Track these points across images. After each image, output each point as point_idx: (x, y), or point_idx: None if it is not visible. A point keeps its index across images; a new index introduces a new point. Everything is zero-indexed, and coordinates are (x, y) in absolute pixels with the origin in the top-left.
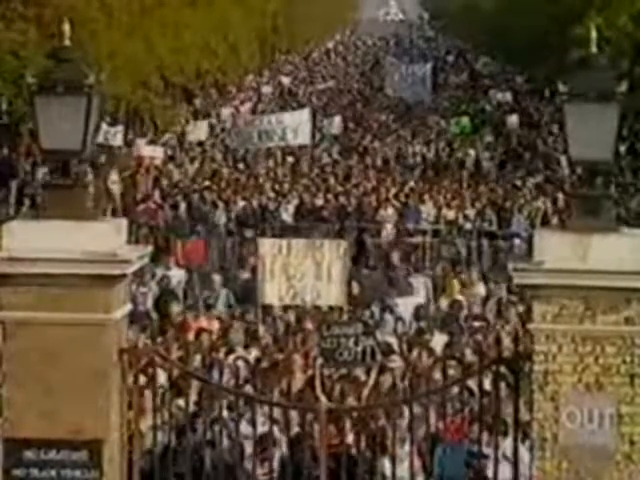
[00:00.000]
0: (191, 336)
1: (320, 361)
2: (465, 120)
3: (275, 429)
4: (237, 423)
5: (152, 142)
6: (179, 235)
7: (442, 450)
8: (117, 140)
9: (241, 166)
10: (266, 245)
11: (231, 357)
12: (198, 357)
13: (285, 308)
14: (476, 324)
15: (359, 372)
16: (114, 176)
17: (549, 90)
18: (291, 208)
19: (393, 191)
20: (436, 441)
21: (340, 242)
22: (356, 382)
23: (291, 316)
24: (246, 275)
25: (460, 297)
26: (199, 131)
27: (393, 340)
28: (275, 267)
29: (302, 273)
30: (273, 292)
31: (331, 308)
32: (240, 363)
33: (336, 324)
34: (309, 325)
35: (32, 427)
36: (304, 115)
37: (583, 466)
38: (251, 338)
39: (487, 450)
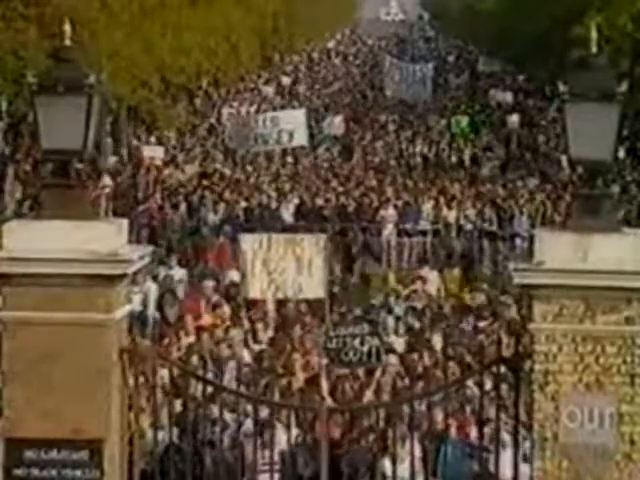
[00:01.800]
0: (192, 336)
1: (325, 361)
2: (465, 120)
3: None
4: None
5: (160, 142)
6: (181, 236)
7: (445, 450)
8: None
9: (242, 166)
10: (247, 241)
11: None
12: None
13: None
14: (480, 324)
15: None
16: (106, 180)
17: (549, 90)
18: (291, 208)
19: (393, 191)
20: (441, 440)
21: (320, 236)
22: (359, 382)
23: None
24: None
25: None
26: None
27: (393, 339)
28: (256, 262)
29: (283, 268)
30: (255, 287)
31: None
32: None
33: (342, 324)
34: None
35: (33, 427)
36: (300, 116)
37: (583, 465)
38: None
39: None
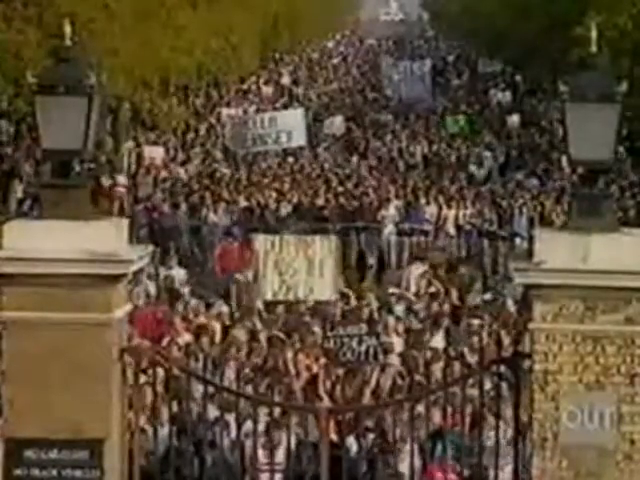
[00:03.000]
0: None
1: (324, 360)
2: (462, 119)
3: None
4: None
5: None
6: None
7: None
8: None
9: (241, 166)
10: (260, 241)
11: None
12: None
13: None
14: (475, 322)
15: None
16: (122, 179)
17: (549, 90)
18: (289, 208)
19: (394, 190)
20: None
21: (331, 238)
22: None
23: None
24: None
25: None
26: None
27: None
28: (268, 263)
29: (294, 269)
30: (266, 288)
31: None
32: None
33: (340, 324)
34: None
35: (33, 427)
36: (298, 116)
37: (583, 465)
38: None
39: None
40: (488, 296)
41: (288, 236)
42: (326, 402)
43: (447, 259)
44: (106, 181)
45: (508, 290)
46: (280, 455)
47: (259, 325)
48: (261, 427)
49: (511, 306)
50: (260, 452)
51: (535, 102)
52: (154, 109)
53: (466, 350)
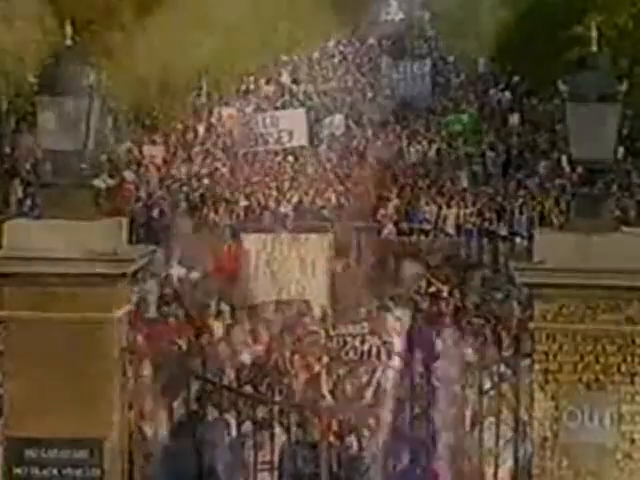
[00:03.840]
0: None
1: (326, 359)
2: (464, 117)
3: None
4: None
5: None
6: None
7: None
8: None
9: (242, 165)
10: (250, 240)
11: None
12: None
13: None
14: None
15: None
16: (130, 176)
17: (549, 90)
18: (290, 207)
19: (394, 190)
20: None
21: (325, 236)
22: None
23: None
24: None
25: None
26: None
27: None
28: (260, 262)
29: (286, 268)
30: (258, 288)
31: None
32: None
33: (342, 323)
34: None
35: (33, 426)
36: (300, 116)
37: (583, 465)
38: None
39: None
40: (500, 296)
41: (282, 235)
42: (329, 401)
43: (446, 259)
44: (105, 181)
45: (513, 291)
46: (267, 455)
47: (248, 325)
48: (251, 427)
49: (516, 307)
50: (251, 452)
51: (535, 102)
52: (154, 109)
53: (468, 350)
